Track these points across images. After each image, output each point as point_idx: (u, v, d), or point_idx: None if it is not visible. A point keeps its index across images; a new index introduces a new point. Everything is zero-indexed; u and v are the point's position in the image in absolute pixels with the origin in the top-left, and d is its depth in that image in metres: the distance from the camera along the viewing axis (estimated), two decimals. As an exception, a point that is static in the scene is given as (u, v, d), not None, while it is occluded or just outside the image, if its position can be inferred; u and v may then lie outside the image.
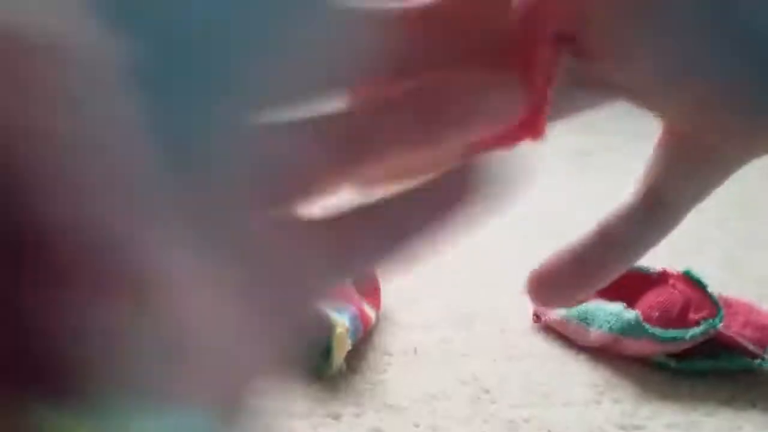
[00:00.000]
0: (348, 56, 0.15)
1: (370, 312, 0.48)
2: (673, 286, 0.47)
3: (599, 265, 0.21)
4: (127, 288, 0.12)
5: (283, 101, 0.15)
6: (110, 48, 0.12)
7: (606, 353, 0.46)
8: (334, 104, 0.16)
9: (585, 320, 0.46)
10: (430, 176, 0.18)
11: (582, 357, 0.46)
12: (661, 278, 0.48)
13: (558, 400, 0.42)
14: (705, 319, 0.43)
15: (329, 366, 0.42)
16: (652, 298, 0.47)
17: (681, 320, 0.45)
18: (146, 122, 0.12)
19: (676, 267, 0.58)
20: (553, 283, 0.22)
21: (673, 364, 0.45)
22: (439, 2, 0.17)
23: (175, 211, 0.13)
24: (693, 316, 0.44)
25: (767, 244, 0.65)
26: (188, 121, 0.13)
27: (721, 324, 0.43)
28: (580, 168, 0.87)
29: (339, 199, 0.16)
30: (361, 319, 0.46)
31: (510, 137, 0.18)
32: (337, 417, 0.40)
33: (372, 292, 0.50)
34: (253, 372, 0.15)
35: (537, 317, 0.50)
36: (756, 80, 0.17)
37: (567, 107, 0.20)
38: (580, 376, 0.45)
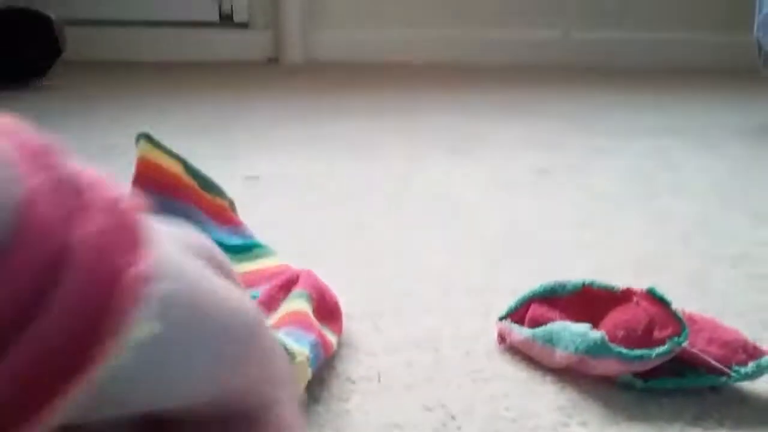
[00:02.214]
0: None
1: (332, 338, 0.47)
2: (637, 303, 0.46)
3: None
4: None
5: None
6: None
7: (572, 374, 0.46)
8: None
9: (550, 341, 0.46)
10: None
11: (548, 378, 0.46)
12: (625, 296, 0.47)
13: (526, 425, 0.41)
14: (670, 337, 0.43)
15: (289, 396, 0.41)
16: (617, 316, 0.46)
17: (646, 339, 0.44)
18: None
19: (640, 283, 0.58)
20: None
21: (639, 383, 0.44)
22: None
23: None
24: (658, 334, 0.44)
25: (729, 259, 0.65)
26: None
27: (687, 342, 0.43)
28: (541, 186, 0.86)
29: None
30: (322, 346, 0.45)
31: None
32: (298, 449, 0.39)
33: (333, 317, 0.49)
34: None
35: (502, 338, 0.50)
36: None
37: None
38: (547, 398, 0.44)
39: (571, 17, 1.97)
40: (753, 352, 0.44)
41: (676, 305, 0.46)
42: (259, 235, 0.58)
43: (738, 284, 0.60)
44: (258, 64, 1.90)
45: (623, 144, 1.07)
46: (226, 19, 1.93)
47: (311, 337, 0.44)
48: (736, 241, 0.69)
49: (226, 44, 1.91)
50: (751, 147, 1.08)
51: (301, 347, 0.41)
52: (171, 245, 0.17)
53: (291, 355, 0.40)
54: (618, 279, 0.58)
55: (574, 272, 0.60)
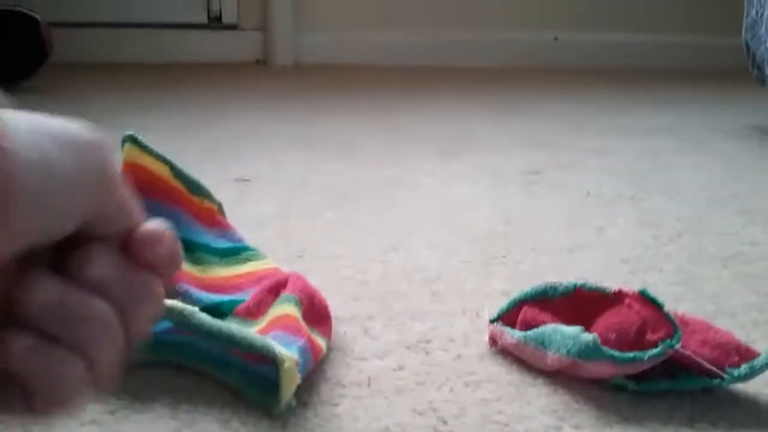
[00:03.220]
0: None
1: (321, 342, 0.46)
2: (629, 306, 0.46)
3: None
4: None
5: None
6: None
7: (564, 376, 0.45)
8: None
9: (542, 344, 0.45)
10: None
11: (540, 381, 0.45)
12: (616, 298, 0.47)
13: (518, 429, 0.41)
14: (662, 339, 0.43)
15: (278, 402, 0.40)
16: (609, 318, 0.46)
17: (638, 341, 0.44)
18: None
19: (632, 283, 0.58)
20: None
21: (631, 386, 0.44)
22: None
23: None
24: (650, 336, 0.44)
25: (720, 260, 0.65)
26: None
27: (679, 344, 0.42)
28: (533, 187, 0.86)
29: None
30: (311, 350, 0.44)
31: None
32: (287, 456, 0.38)
33: (322, 320, 0.48)
34: None
35: (493, 341, 0.49)
36: None
37: None
38: (539, 401, 0.43)
39: (563, 19, 1.97)
40: (746, 354, 0.44)
41: (668, 306, 0.45)
42: (248, 237, 0.58)
43: (730, 284, 0.59)
44: (247, 65, 1.89)
45: (615, 144, 1.07)
46: (215, 21, 1.92)
47: (300, 341, 0.43)
48: (728, 241, 0.69)
49: (214, 46, 1.90)
50: (743, 147, 1.08)
51: (290, 352, 0.41)
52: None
53: (280, 360, 0.40)
54: (610, 279, 0.58)
55: (566, 273, 0.60)
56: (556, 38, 2.00)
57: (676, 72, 1.79)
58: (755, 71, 1.16)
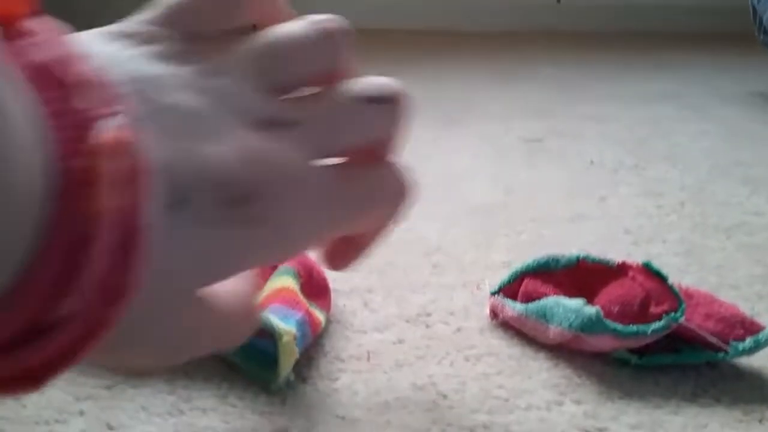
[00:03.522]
0: None
1: (320, 315, 0.45)
2: (633, 278, 0.45)
3: None
4: None
5: None
6: None
7: (566, 350, 0.45)
8: None
9: (544, 317, 0.44)
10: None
11: (541, 355, 0.45)
12: (620, 270, 0.46)
13: (519, 404, 0.40)
14: (666, 312, 0.42)
15: (276, 377, 0.40)
16: (612, 291, 0.45)
17: (642, 314, 0.43)
18: None
19: (635, 254, 0.57)
20: None
21: (634, 359, 0.43)
22: None
23: None
24: (654, 309, 0.43)
25: (724, 230, 0.64)
26: None
27: (683, 317, 0.42)
28: (534, 155, 0.85)
29: None
30: (309, 324, 0.43)
31: None
32: None
33: (321, 293, 0.48)
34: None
35: (494, 314, 0.48)
36: None
37: None
38: (540, 375, 0.43)
39: (563, -18, 1.94)
40: (750, 328, 0.43)
41: (672, 278, 0.45)
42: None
43: (734, 255, 0.59)
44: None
45: (617, 112, 1.06)
46: None
47: (298, 314, 0.42)
48: (732, 211, 0.68)
49: None
50: (746, 114, 1.06)
51: (288, 326, 0.40)
52: None
53: (278, 334, 0.39)
54: (612, 250, 0.57)
55: (568, 244, 0.59)
56: (558, 1, 1.97)
57: (679, 36, 1.77)
58: (761, 36, 1.14)
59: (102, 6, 1.82)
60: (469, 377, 0.42)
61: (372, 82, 0.26)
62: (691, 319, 0.43)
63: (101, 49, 0.21)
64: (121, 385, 0.41)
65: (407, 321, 0.48)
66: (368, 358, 0.44)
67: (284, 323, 0.40)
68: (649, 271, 0.45)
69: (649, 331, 0.41)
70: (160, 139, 0.19)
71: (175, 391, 0.40)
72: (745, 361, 0.44)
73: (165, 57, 0.22)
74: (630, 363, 0.43)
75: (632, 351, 0.43)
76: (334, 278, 0.51)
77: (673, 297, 0.43)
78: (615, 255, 0.49)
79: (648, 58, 1.51)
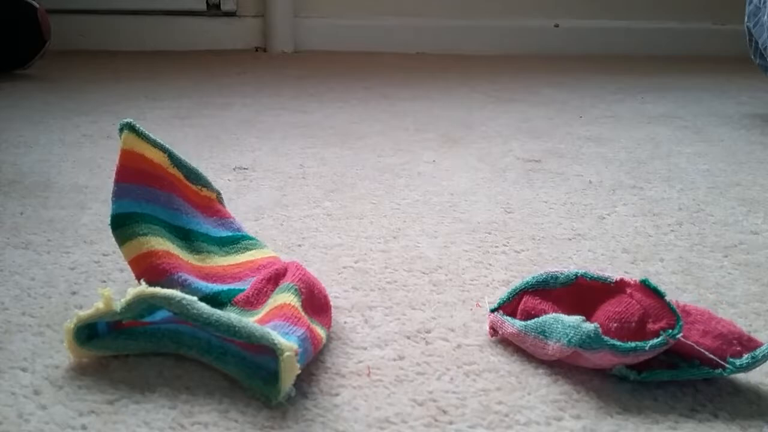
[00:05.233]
0: None
1: (321, 331, 0.46)
2: (631, 295, 0.46)
3: None
4: None
5: None
6: None
7: (565, 366, 0.45)
8: None
9: (543, 333, 0.45)
10: None
11: (541, 371, 0.45)
12: (618, 287, 0.47)
13: (518, 420, 0.40)
14: (664, 329, 0.42)
15: (277, 393, 0.40)
16: (610, 308, 0.46)
17: (640, 331, 0.43)
18: None
19: (633, 273, 0.57)
20: None
21: (633, 375, 0.43)
22: None
23: None
24: (652, 326, 0.43)
25: (722, 249, 0.64)
26: None
27: (681, 334, 0.42)
28: (533, 175, 0.86)
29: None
30: (311, 340, 0.44)
31: None
32: (286, 446, 0.38)
33: (322, 310, 0.48)
34: None
35: (493, 331, 0.49)
36: None
37: None
38: (540, 391, 0.43)
39: (563, 5, 1.96)
40: (748, 344, 0.43)
41: (670, 296, 0.45)
42: (247, 226, 0.57)
43: (731, 274, 0.59)
44: (246, 53, 1.88)
45: (615, 132, 1.07)
46: (214, 8, 1.91)
47: (300, 331, 0.43)
48: (729, 230, 0.69)
49: (213, 33, 1.89)
50: (744, 135, 1.07)
51: (290, 342, 0.41)
52: None
53: (279, 349, 0.39)
54: (611, 268, 0.57)
55: (567, 262, 0.59)
56: (556, 25, 1.99)
57: (677, 59, 1.78)
58: (757, 59, 1.15)
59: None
60: (469, 393, 0.43)
61: None
62: (688, 336, 0.43)
63: None
64: (124, 399, 0.41)
65: (408, 337, 0.48)
66: (368, 374, 0.44)
67: (286, 339, 0.41)
68: (646, 288, 0.45)
69: (647, 347, 0.41)
70: None
71: (176, 406, 0.41)
72: (742, 377, 0.44)
73: None
74: (629, 379, 0.44)
75: (631, 367, 0.43)
76: (334, 295, 0.51)
77: (671, 313, 0.43)
78: (613, 274, 0.49)
79: (646, 80, 1.53)
